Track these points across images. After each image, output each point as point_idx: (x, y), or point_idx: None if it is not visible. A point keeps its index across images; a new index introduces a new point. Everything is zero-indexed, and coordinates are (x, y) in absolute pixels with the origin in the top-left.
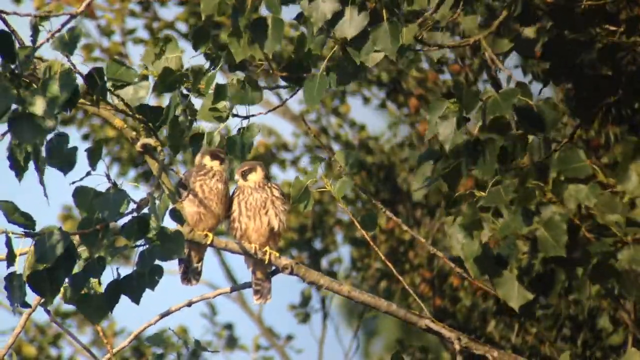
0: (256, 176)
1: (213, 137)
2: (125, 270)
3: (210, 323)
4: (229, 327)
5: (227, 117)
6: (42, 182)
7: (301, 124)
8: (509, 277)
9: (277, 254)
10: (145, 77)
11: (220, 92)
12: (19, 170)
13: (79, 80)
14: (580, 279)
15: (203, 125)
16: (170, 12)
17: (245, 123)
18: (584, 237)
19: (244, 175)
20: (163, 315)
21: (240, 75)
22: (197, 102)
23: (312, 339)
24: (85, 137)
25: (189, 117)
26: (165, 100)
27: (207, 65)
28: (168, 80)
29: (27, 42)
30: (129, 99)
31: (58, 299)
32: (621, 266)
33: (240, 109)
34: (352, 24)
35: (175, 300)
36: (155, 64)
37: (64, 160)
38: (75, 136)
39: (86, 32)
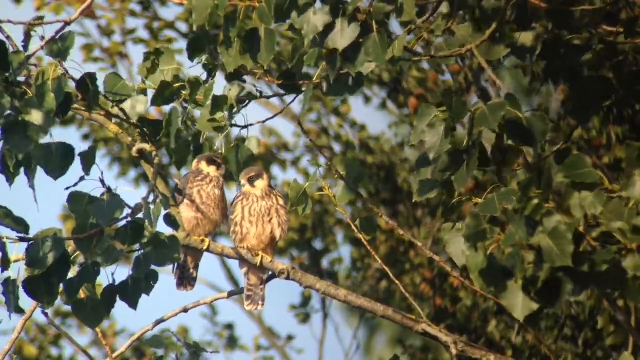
0: (262, 183)
1: (214, 147)
2: (125, 271)
3: (210, 323)
4: (229, 327)
5: (226, 128)
6: (32, 187)
7: (300, 127)
8: (514, 288)
9: (270, 259)
10: (143, 91)
11: (218, 103)
12: (9, 175)
13: (72, 86)
14: (586, 287)
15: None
16: (170, 12)
17: (244, 132)
18: (589, 245)
19: (251, 181)
20: (158, 322)
21: (238, 84)
22: (196, 113)
23: (313, 339)
24: (86, 137)
25: (192, 129)
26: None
27: (204, 75)
28: (166, 93)
29: (21, 47)
30: (128, 112)
31: (58, 300)
32: (627, 274)
33: (239, 118)
34: (343, 35)
35: (174, 300)
36: (151, 77)
37: (56, 165)
38: (75, 136)
39: (86, 32)
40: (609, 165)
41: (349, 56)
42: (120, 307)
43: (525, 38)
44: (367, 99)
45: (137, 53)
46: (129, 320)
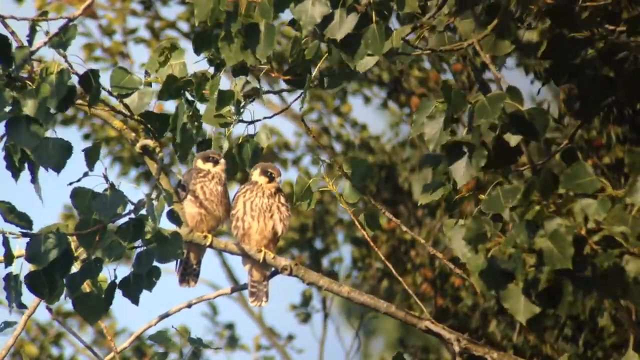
0: (276, 184)
1: (220, 143)
2: (126, 270)
3: (211, 323)
4: (230, 327)
5: (232, 123)
6: (35, 182)
7: (303, 124)
8: (515, 291)
9: (272, 255)
10: (149, 84)
11: (224, 98)
12: (14, 170)
13: (76, 80)
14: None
15: (208, 130)
16: (171, 12)
17: (250, 128)
18: (591, 248)
19: (271, 177)
20: (162, 317)
21: (244, 79)
22: (201, 108)
23: (313, 339)
24: (86, 137)
25: (196, 124)
26: (167, 104)
27: (210, 70)
28: (172, 87)
29: (25, 43)
30: (134, 106)
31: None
32: (629, 277)
33: (245, 114)
34: (341, 26)
35: (176, 299)
36: (159, 70)
37: (55, 160)
38: (76, 136)
39: (87, 32)
40: (609, 165)
41: (348, 47)
42: (121, 306)
43: (531, 35)
44: (368, 99)
45: (138, 53)
46: (129, 320)
